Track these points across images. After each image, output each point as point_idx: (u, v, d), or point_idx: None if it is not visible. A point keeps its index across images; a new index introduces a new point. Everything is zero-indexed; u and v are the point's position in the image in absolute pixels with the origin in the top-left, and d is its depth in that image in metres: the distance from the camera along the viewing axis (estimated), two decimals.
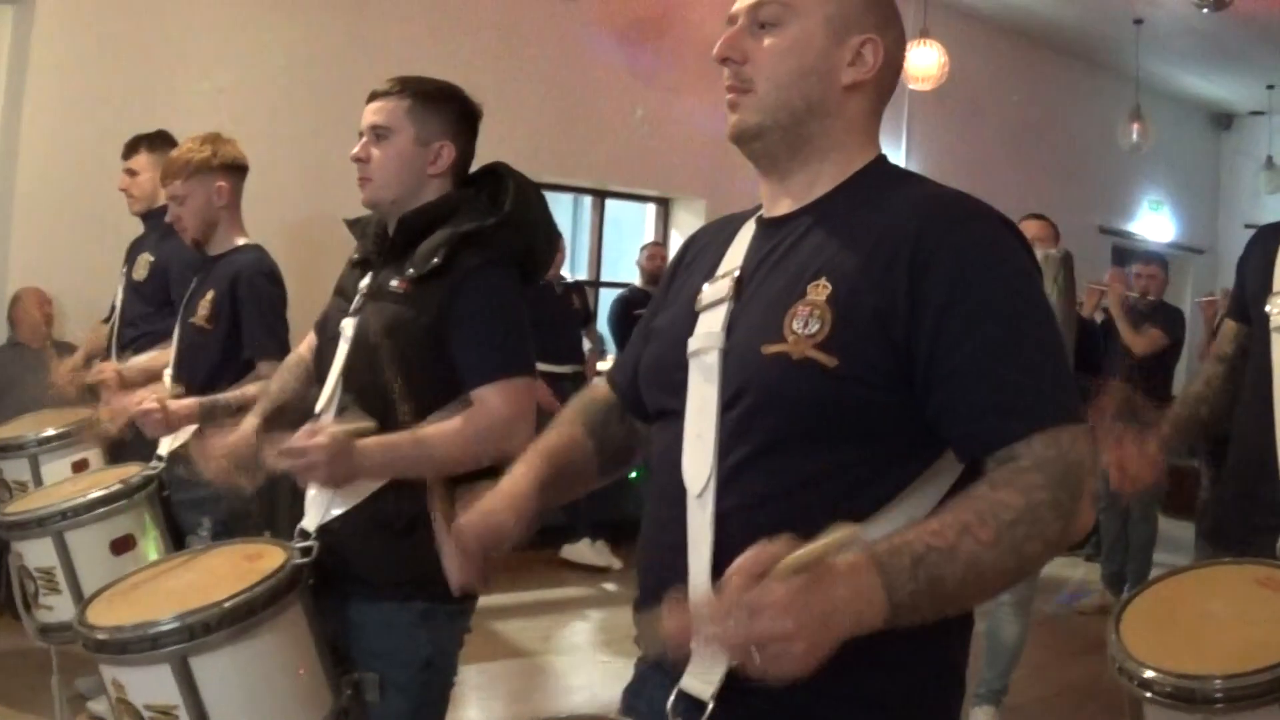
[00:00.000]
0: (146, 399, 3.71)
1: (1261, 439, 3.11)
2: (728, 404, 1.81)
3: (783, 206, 1.94)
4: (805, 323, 1.74)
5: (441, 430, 2.77)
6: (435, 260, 2.83)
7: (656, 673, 1.89)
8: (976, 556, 1.57)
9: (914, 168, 10.58)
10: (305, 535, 2.86)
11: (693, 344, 1.89)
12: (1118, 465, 3.27)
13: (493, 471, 2.92)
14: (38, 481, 4.41)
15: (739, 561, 1.48)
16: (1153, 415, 3.41)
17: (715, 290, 1.93)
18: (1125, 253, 13.38)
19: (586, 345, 9.07)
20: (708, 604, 1.51)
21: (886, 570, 1.52)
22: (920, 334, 1.69)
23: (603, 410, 2.25)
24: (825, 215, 1.87)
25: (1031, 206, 6.72)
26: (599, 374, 8.78)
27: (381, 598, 2.84)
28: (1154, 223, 14.80)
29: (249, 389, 3.78)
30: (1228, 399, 3.44)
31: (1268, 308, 3.22)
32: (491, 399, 2.79)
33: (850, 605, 1.49)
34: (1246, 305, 3.41)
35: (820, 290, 1.75)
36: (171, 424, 3.73)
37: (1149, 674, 2.44)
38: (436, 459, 2.75)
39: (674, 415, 1.90)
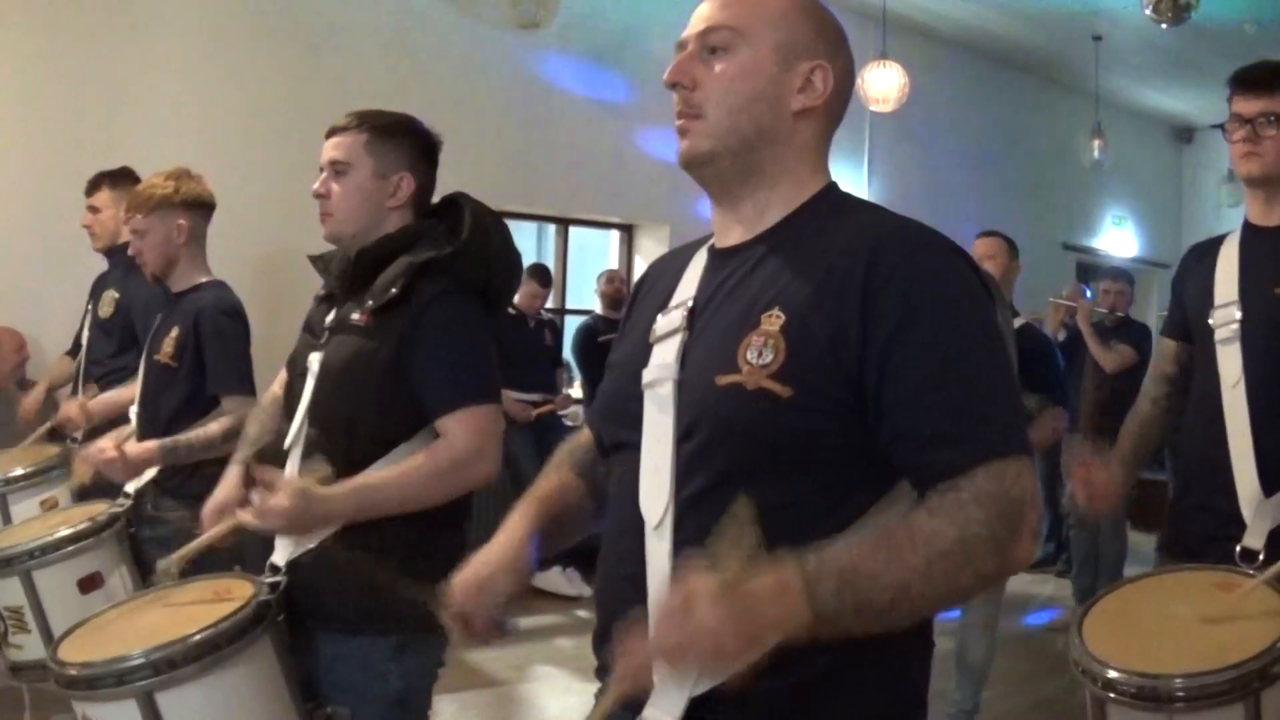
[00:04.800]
0: (107, 448, 3.73)
1: (1214, 451, 3.16)
2: (683, 435, 1.81)
3: (734, 235, 1.95)
4: (759, 353, 1.74)
5: (405, 469, 2.77)
6: (393, 290, 2.83)
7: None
8: (905, 582, 1.59)
9: (875, 189, 10.57)
10: (275, 570, 2.85)
11: (647, 375, 1.89)
12: (1084, 486, 3.31)
13: (457, 517, 2.94)
14: (7, 520, 4.41)
15: (665, 602, 1.56)
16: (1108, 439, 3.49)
17: (668, 321, 1.93)
18: (1089, 269, 13.45)
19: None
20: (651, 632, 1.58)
21: (813, 593, 1.56)
22: (871, 363, 1.70)
23: (587, 452, 2.22)
24: (777, 245, 1.87)
25: (994, 225, 6.59)
26: (570, 401, 8.87)
27: (353, 632, 2.83)
28: (1118, 238, 14.90)
29: (212, 427, 3.79)
30: (1174, 419, 3.51)
31: (1210, 320, 3.27)
32: (455, 429, 2.79)
33: (777, 623, 1.55)
34: (1185, 323, 3.46)
35: (773, 320, 1.76)
36: (130, 470, 3.76)
37: (1111, 674, 2.48)
38: (402, 497, 2.75)
39: (630, 447, 1.89)
